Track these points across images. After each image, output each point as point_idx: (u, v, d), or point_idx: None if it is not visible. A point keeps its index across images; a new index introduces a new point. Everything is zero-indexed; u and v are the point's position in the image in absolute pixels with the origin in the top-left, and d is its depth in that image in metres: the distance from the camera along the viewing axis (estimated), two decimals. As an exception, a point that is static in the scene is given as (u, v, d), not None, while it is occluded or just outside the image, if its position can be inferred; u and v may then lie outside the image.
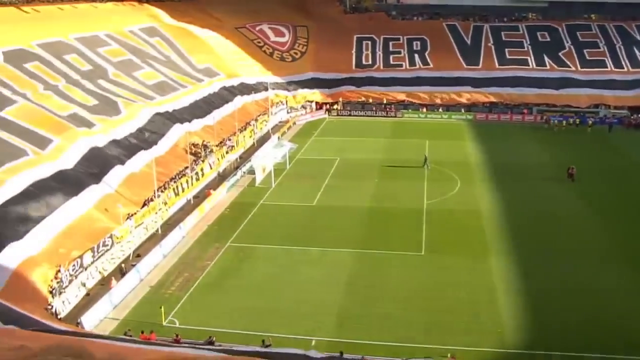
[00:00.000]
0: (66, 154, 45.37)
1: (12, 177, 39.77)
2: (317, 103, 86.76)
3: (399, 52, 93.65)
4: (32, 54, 58.31)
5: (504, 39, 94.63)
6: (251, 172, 57.87)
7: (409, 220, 47.68)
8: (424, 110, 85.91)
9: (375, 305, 35.01)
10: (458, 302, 35.18)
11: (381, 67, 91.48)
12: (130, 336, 29.73)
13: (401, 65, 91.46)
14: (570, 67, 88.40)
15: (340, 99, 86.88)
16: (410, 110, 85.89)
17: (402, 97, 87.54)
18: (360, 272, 39.08)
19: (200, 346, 26.70)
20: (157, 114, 59.25)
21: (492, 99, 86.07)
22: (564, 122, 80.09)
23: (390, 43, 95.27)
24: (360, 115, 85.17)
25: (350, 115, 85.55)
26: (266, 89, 78.93)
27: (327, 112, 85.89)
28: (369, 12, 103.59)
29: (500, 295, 35.92)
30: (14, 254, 34.43)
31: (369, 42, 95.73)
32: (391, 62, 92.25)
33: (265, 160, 58.54)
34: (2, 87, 50.36)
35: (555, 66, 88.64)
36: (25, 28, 61.64)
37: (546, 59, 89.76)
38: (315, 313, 34.18)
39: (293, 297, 36.02)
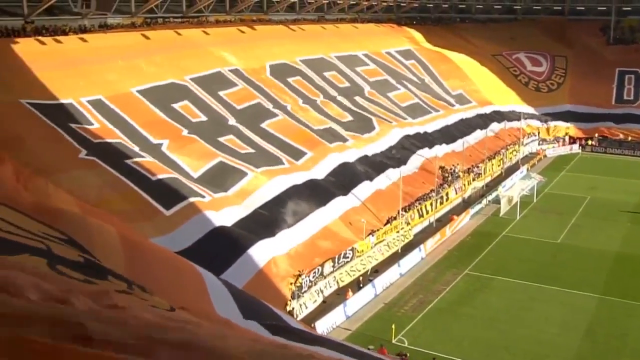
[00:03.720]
0: (318, 166, 47.76)
1: (268, 182, 42.73)
2: (570, 137, 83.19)
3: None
4: (295, 69, 62.05)
5: None
6: (496, 201, 56.88)
7: (662, 270, 44.26)
8: (689, 153, 78.99)
9: (614, 357, 32.90)
10: None
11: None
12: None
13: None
14: None
15: (596, 135, 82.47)
16: (673, 153, 79.42)
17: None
18: (602, 320, 36.83)
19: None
20: (408, 135, 60.30)
21: None
22: None
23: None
24: (617, 154, 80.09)
25: (605, 152, 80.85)
26: (519, 119, 77.17)
27: (580, 147, 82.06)
28: (636, 44, 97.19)
29: None
30: (264, 253, 36.81)
31: (632, 76, 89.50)
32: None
33: (512, 191, 57.24)
34: (266, 98, 54.15)
35: None
36: (291, 44, 65.72)
37: None
38: (548, 355, 32.79)
39: (526, 335, 34.81)
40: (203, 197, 38.29)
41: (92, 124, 40.13)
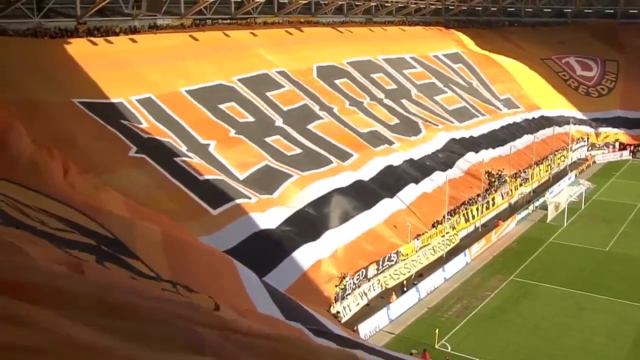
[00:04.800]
0: (364, 167, 47.78)
1: (313, 184, 42.84)
2: (620, 143, 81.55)
3: None
4: (342, 71, 62.13)
5: None
6: (543, 207, 56.06)
7: None
8: None
9: (664, 369, 32.28)
10: None
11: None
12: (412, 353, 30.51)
13: None
14: None
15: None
16: None
17: None
18: (652, 331, 36.18)
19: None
20: (454, 139, 59.92)
21: None
22: None
23: None
24: (668, 161, 78.47)
25: (656, 159, 79.23)
26: (567, 124, 76.09)
27: (631, 153, 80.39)
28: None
29: None
30: (308, 254, 36.92)
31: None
32: None
33: (560, 197, 56.39)
34: (312, 100, 54.30)
35: None
36: (339, 47, 65.94)
37: None
38: (594, 365, 32.38)
39: (572, 344, 34.22)
40: (249, 198, 38.58)
41: (141, 123, 40.74)
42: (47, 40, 44.03)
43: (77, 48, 43.96)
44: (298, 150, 46.67)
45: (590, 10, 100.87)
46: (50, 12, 46.66)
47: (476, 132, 64.47)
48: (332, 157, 47.25)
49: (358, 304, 37.36)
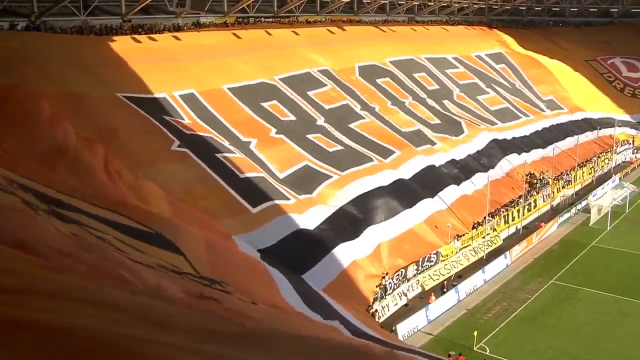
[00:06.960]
0: (405, 165, 47.60)
1: (353, 182, 42.80)
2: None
3: None
4: (385, 70, 61.96)
5: None
6: (586, 210, 55.25)
7: None
8: None
9: None
10: None
11: None
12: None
13: None
14: None
15: (695, 145, 79.09)
16: None
17: None
18: (697, 339, 35.43)
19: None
20: (496, 139, 59.37)
21: None
22: None
23: None
24: None
25: (703, 163, 77.46)
26: (612, 126, 74.81)
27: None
28: None
29: None
30: (347, 252, 36.90)
31: None
32: None
33: (603, 200, 55.49)
34: (354, 100, 54.24)
35: None
36: (381, 45, 65.77)
37: None
38: (637, 373, 31.85)
39: (613, 350, 33.62)
40: (288, 199, 38.68)
41: (183, 119, 41.10)
42: (93, 37, 44.74)
43: (122, 45, 44.53)
44: (339, 147, 46.67)
45: (638, 10, 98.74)
46: (96, 10, 47.44)
47: (518, 133, 63.82)
48: (373, 155, 47.19)
49: (397, 304, 37.24)
